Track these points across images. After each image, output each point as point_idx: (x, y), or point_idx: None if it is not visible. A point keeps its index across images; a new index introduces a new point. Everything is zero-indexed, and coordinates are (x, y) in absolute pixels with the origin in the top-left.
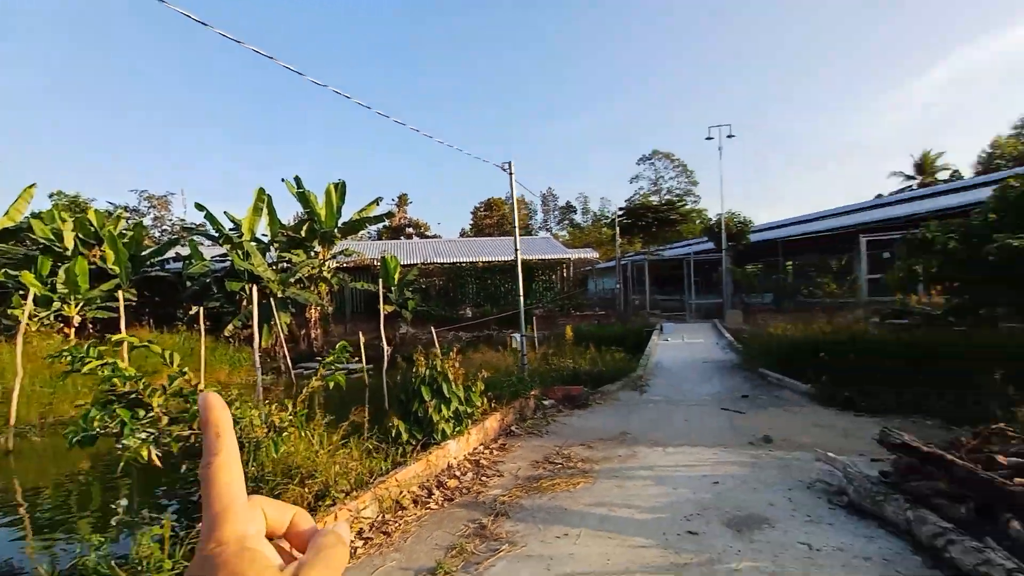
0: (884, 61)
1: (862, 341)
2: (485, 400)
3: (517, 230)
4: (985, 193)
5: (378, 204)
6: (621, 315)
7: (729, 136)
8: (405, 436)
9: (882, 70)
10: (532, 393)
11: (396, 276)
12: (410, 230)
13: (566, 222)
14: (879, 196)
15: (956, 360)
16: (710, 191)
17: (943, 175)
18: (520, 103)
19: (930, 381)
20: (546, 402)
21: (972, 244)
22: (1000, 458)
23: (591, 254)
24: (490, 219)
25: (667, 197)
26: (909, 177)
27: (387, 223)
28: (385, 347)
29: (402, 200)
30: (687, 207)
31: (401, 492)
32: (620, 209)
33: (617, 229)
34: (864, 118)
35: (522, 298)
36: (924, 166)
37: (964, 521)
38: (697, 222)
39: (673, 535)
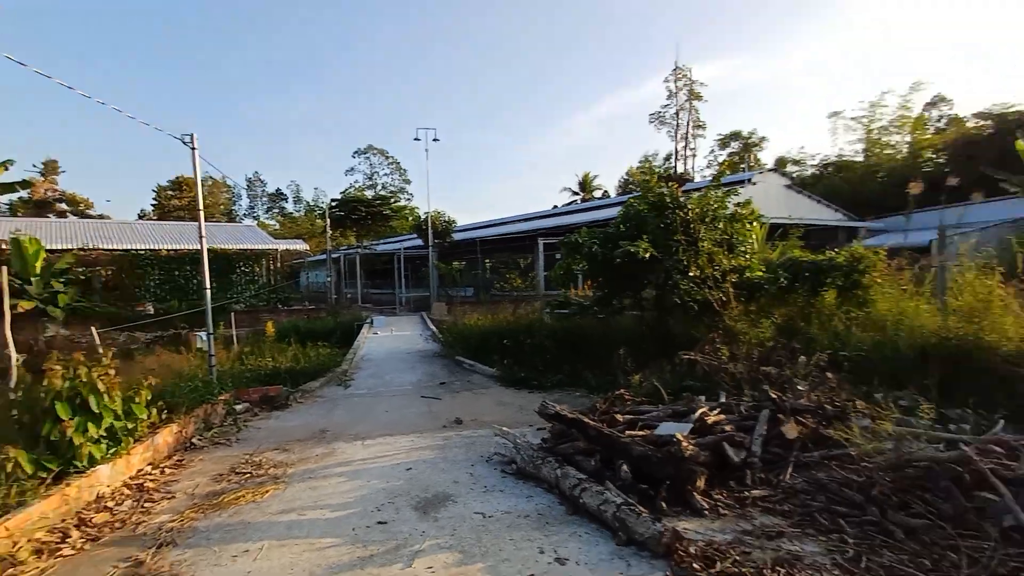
0: (560, 96)
1: (536, 329)
2: (155, 411)
3: (201, 212)
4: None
5: (7, 169)
6: (333, 309)
7: (435, 140)
8: (30, 468)
9: (559, 103)
10: (221, 398)
11: (38, 264)
12: (63, 206)
13: (276, 210)
14: (555, 207)
15: (599, 342)
16: (422, 190)
17: (598, 193)
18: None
19: (583, 360)
20: (238, 406)
21: (608, 248)
22: (619, 417)
23: (301, 246)
24: (179, 200)
25: (382, 192)
26: (575, 193)
27: (26, 195)
28: (13, 355)
29: (50, 168)
30: (400, 203)
31: (16, 544)
32: (334, 201)
33: (328, 221)
34: (545, 141)
35: (208, 291)
36: (585, 185)
37: (594, 471)
38: (409, 219)
39: (363, 528)
